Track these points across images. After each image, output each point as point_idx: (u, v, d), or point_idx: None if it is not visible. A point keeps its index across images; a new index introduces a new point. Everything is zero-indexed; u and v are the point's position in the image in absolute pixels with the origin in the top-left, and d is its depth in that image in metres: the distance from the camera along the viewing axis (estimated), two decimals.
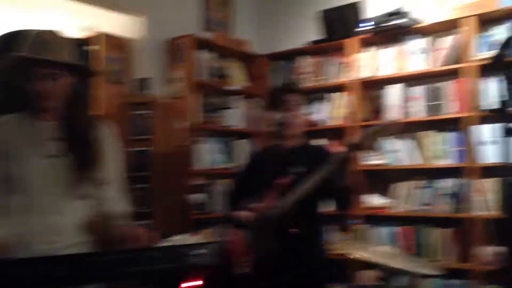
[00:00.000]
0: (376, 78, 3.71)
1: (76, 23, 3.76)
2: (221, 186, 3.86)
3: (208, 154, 3.84)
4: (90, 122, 1.84)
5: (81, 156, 1.74)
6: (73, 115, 1.79)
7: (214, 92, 4.03)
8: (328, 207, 2.48)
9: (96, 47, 3.46)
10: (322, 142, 3.85)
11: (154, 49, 3.78)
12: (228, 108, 4.08)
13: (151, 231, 1.66)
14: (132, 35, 3.76)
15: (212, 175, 3.88)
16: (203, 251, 1.41)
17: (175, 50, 3.80)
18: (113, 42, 3.61)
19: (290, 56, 4.19)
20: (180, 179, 3.55)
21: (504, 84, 0.88)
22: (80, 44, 3.27)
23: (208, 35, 4.04)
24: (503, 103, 0.95)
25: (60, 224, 1.70)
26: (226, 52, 4.11)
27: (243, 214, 2.34)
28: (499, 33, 3.23)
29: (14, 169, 1.70)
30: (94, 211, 1.79)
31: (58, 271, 1.25)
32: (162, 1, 3.85)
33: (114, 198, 1.82)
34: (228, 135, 4.08)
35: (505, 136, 0.94)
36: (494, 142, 3.08)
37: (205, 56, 3.89)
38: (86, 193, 1.76)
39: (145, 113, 3.37)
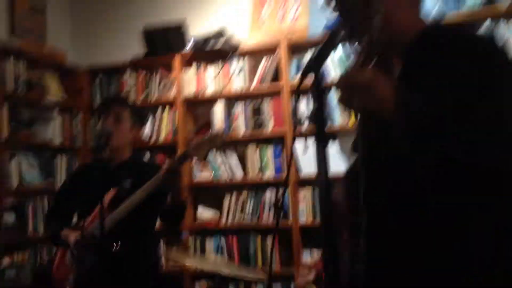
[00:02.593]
0: (201, 96, 3.79)
1: None
2: (37, 205, 3.49)
3: (20, 170, 3.43)
4: None
5: None
6: None
7: (25, 105, 3.63)
8: (158, 222, 2.42)
9: None
10: (148, 157, 3.76)
11: None
12: (44, 122, 3.72)
13: None
14: None
15: (26, 193, 3.47)
16: (12, 274, 1.24)
17: None
18: None
19: (112, 70, 4.03)
20: None
21: (311, 103, 1.00)
22: None
23: (16, 42, 3.64)
24: (311, 119, 1.04)
25: None
26: (38, 62, 3.76)
27: (66, 233, 2.15)
28: (310, 57, 3.58)
29: None
30: None
31: None
32: None
33: None
34: (44, 151, 3.71)
35: (319, 145, 1.01)
36: (308, 155, 3.38)
37: (13, 65, 3.49)
38: None
39: None
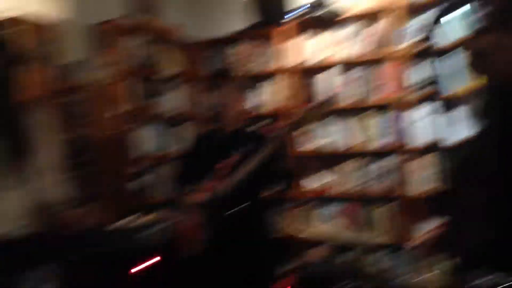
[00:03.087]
0: (309, 64, 3.78)
1: None
2: (162, 171, 3.80)
3: (147, 139, 3.74)
4: (20, 109, 1.71)
5: (13, 145, 1.62)
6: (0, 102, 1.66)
7: (148, 78, 3.91)
8: (273, 188, 2.50)
9: (18, 30, 3.23)
10: (257, 127, 3.87)
11: (82, 33, 3.60)
12: (164, 93, 3.98)
13: (94, 213, 1.58)
14: (57, 18, 3.55)
15: (153, 160, 3.78)
16: (153, 231, 1.37)
17: (104, 34, 3.64)
18: (37, 25, 3.40)
19: (223, 42, 4.17)
20: (121, 164, 3.44)
21: (431, 68, 0.97)
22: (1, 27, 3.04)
23: (138, 20, 3.90)
24: (431, 84, 1.00)
25: None
26: (157, 37, 4.00)
27: (191, 195, 2.31)
28: (425, 20, 3.40)
29: None
30: (33, 199, 1.68)
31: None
32: None
33: (53, 185, 1.72)
34: (165, 121, 3.98)
35: (438, 113, 0.98)
36: (427, 121, 3.24)
37: (136, 41, 3.76)
38: (22, 181, 1.64)
39: (78, 98, 3.21)
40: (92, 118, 3.27)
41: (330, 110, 2.25)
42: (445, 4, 1.05)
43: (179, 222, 2.25)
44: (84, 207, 2.17)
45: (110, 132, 3.41)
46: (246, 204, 2.28)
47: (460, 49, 3.17)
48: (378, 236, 3.40)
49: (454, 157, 1.00)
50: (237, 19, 4.15)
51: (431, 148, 3.26)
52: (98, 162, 3.23)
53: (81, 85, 3.30)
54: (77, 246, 1.26)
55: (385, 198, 3.47)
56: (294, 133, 3.66)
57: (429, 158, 3.31)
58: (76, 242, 1.26)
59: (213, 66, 4.15)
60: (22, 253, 1.20)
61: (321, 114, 2.22)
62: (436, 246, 3.04)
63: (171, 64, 4.11)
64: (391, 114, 3.46)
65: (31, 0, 3.47)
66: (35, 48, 3.30)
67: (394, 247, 3.33)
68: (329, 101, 2.27)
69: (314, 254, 3.51)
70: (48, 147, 1.76)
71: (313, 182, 3.74)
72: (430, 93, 2.32)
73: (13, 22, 3.21)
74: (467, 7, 3.21)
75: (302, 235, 2.23)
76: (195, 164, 2.52)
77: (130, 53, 3.69)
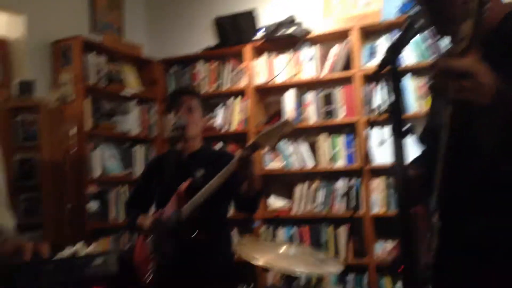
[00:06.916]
0: (271, 84, 3.79)
1: None
2: (117, 193, 3.71)
3: (102, 161, 3.65)
4: None
5: None
6: None
7: (106, 97, 3.82)
8: (231, 210, 2.46)
9: None
10: (220, 147, 3.84)
11: (37, 51, 3.50)
12: (123, 113, 3.90)
13: (39, 243, 1.47)
14: (11, 35, 3.45)
15: (108, 182, 3.69)
16: (100, 261, 1.30)
17: (60, 52, 3.55)
18: None
19: (185, 61, 4.13)
20: (73, 187, 3.31)
21: (387, 91, 1.00)
22: None
23: (96, 38, 3.83)
24: (389, 108, 1.02)
25: None
26: (117, 55, 3.94)
27: (143, 219, 2.24)
28: (382, 43, 3.48)
29: None
30: None
31: None
32: (43, 0, 3.58)
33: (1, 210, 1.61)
34: (123, 141, 3.90)
35: (397, 137, 0.98)
36: (382, 144, 3.29)
37: (94, 59, 3.68)
38: None
39: (30, 118, 3.09)
40: (44, 138, 3.15)
41: (292, 129, 2.20)
42: (404, 32, 1.06)
43: (130, 248, 2.18)
44: (32, 234, 2.07)
45: (64, 152, 3.29)
46: (207, 226, 2.22)
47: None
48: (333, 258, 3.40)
49: (401, 183, 1.00)
50: (205, 38, 4.11)
51: (385, 171, 3.31)
52: (49, 184, 3.10)
53: (36, 104, 3.18)
54: (23, 278, 1.17)
55: (341, 219, 3.48)
56: (259, 152, 3.63)
57: (382, 181, 3.36)
58: (23, 273, 1.17)
59: (177, 85, 4.11)
60: None
61: (284, 134, 2.18)
62: (386, 267, 3.06)
63: (131, 82, 4.04)
64: (349, 136, 3.50)
65: None
66: None
67: (348, 269, 3.33)
68: (290, 121, 2.23)
69: (272, 277, 3.47)
70: None
71: (278, 202, 3.72)
72: (391, 114, 2.33)
73: None
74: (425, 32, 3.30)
75: (257, 261, 2.14)
76: (151, 187, 2.45)
77: (89, 71, 3.60)
